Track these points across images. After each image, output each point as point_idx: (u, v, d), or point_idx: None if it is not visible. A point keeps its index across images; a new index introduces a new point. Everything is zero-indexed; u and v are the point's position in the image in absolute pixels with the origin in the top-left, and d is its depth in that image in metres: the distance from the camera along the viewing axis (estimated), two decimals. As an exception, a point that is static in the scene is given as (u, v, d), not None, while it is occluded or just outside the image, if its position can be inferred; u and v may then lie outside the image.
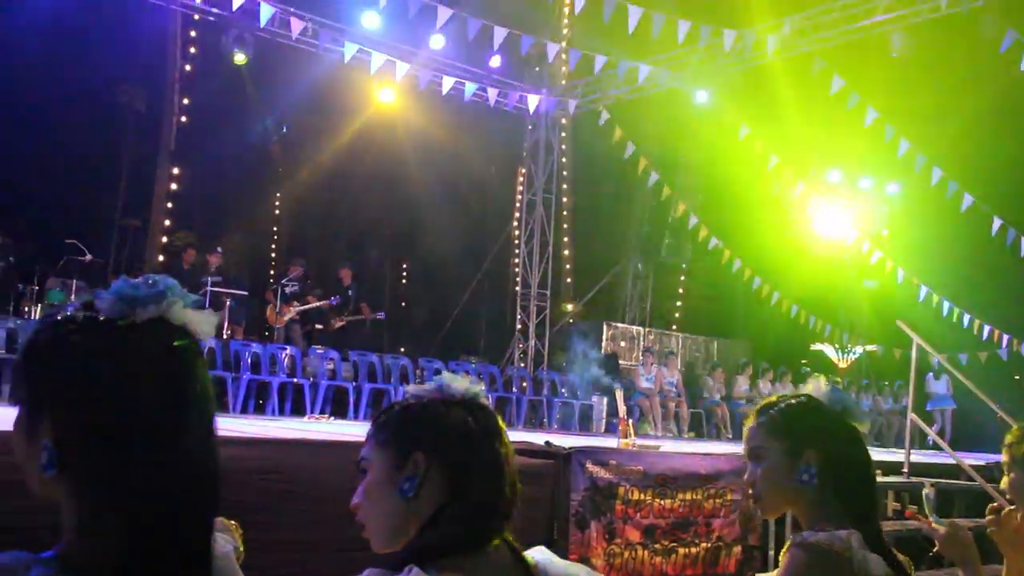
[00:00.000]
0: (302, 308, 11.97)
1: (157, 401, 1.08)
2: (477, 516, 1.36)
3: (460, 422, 1.41)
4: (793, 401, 1.94)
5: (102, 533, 1.05)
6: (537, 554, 1.44)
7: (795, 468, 1.84)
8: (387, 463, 1.41)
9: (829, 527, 1.76)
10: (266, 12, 10.99)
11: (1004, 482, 2.59)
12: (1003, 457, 2.59)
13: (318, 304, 12.09)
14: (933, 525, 2.32)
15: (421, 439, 1.40)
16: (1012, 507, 2.55)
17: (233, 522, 1.39)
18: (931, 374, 15.46)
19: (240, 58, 12.03)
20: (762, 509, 1.98)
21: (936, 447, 9.17)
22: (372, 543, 1.42)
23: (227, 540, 1.34)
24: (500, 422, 1.48)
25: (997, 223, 14.94)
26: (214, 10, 11.57)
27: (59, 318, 1.13)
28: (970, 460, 7.80)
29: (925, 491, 2.54)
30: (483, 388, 1.50)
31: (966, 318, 16.88)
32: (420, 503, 1.37)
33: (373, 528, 1.41)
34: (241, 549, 1.37)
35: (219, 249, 12.05)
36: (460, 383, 1.46)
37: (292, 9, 11.53)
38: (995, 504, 2.61)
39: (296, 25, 11.42)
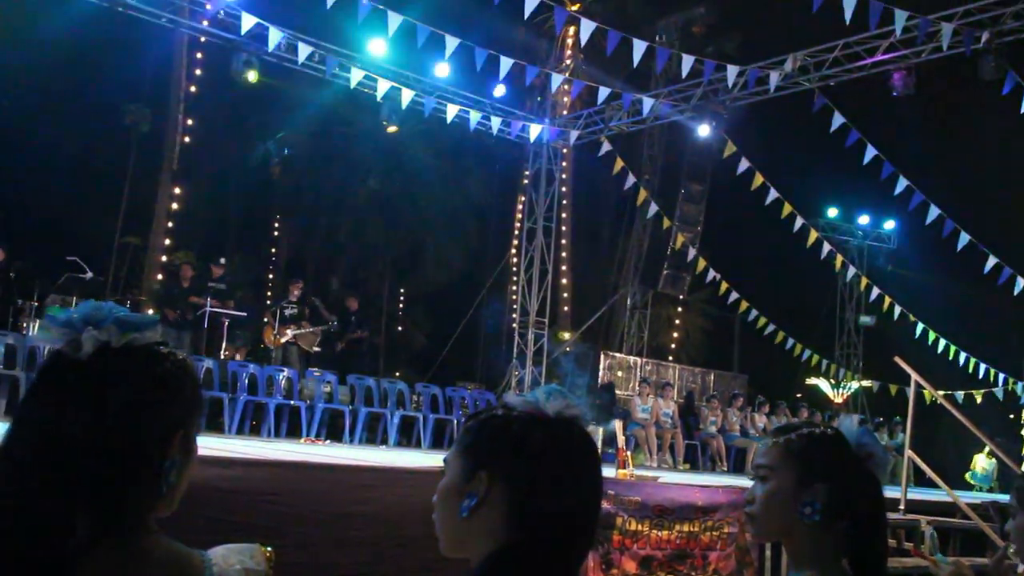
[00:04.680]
0: (299, 332, 11.97)
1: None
2: (539, 568, 1.25)
3: (540, 446, 1.27)
4: (817, 431, 1.80)
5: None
6: None
7: (800, 498, 1.72)
8: (458, 472, 1.32)
9: (819, 571, 1.68)
10: (274, 37, 11.06)
11: (1010, 525, 2.59)
12: (1011, 499, 2.59)
13: (312, 330, 12.12)
14: (937, 564, 2.33)
15: (490, 456, 1.29)
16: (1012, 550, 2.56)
17: (269, 549, 1.37)
18: (983, 455, 15.68)
19: (252, 76, 11.97)
20: (754, 530, 1.86)
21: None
22: (439, 544, 1.36)
23: (241, 562, 1.31)
24: (596, 453, 1.35)
25: (992, 262, 15.00)
26: (223, 33, 11.64)
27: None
28: (967, 499, 7.83)
29: (929, 531, 2.55)
30: (585, 412, 1.35)
31: (962, 356, 16.93)
32: (477, 525, 1.28)
33: (438, 531, 1.34)
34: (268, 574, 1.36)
35: (222, 260, 12.15)
36: (558, 400, 1.31)
37: (300, 35, 11.61)
38: (1000, 554, 2.60)
39: (303, 50, 11.49)
